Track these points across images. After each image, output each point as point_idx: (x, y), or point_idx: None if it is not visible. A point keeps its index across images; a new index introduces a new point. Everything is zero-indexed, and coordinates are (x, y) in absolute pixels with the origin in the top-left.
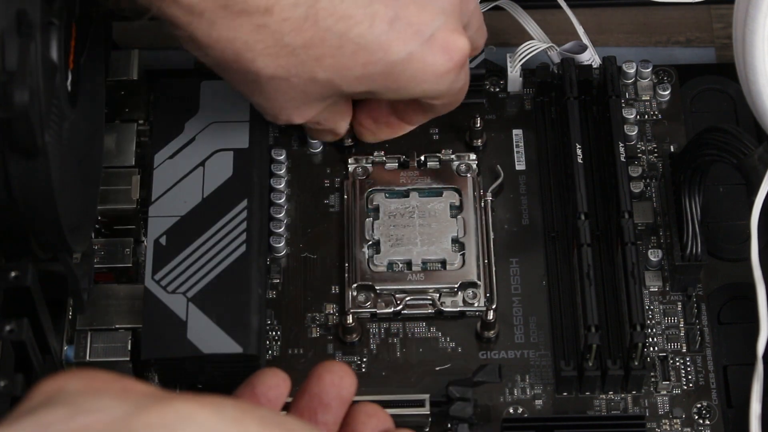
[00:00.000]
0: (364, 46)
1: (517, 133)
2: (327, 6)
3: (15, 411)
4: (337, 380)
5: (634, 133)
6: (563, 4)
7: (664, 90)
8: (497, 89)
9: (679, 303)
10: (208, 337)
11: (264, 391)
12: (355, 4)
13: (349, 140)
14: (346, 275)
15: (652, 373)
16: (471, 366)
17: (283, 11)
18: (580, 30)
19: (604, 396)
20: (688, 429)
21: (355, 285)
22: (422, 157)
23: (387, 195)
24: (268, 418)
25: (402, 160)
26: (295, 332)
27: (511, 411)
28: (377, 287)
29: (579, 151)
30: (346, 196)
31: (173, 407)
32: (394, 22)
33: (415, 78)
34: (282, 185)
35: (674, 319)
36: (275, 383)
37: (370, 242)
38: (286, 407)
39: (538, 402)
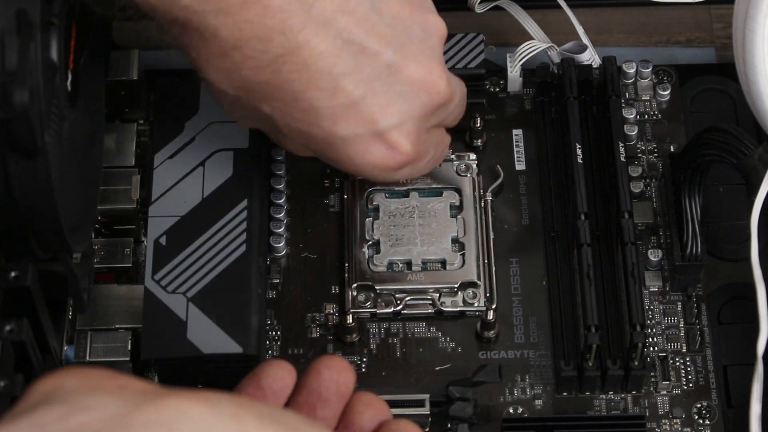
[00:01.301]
0: (317, 110)
1: (517, 133)
2: (296, 63)
3: (12, 410)
4: (336, 375)
5: (634, 133)
6: (563, 4)
7: (664, 90)
8: (497, 89)
9: (679, 303)
10: (208, 337)
11: (269, 383)
12: (324, 72)
13: None
14: (346, 275)
15: (652, 373)
16: (471, 366)
17: (251, 51)
18: (580, 30)
19: (604, 396)
20: (688, 429)
21: (355, 285)
22: None
23: (387, 195)
24: (266, 413)
25: None
26: (295, 332)
27: (511, 411)
28: (377, 287)
29: (579, 151)
30: (346, 196)
31: (170, 404)
32: (356, 104)
33: (351, 159)
34: (282, 185)
35: (674, 319)
36: (280, 375)
37: (370, 242)
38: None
39: (538, 402)
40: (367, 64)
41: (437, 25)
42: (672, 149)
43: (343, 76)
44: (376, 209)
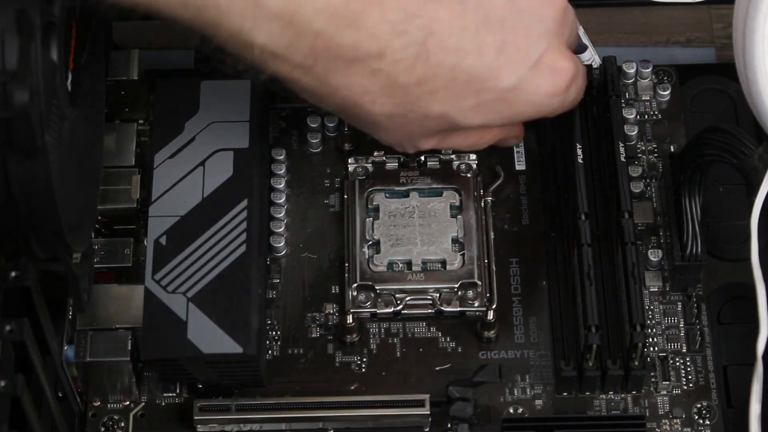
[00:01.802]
0: (476, 75)
1: None
2: (436, 42)
3: None
4: None
5: (634, 133)
6: None
7: (664, 90)
8: None
9: (679, 303)
10: (208, 337)
11: None
12: (463, 37)
13: (349, 145)
14: (346, 275)
15: (652, 373)
16: (471, 366)
17: (395, 53)
18: (580, 30)
19: (604, 396)
20: (688, 429)
21: (355, 285)
22: (422, 157)
23: (387, 195)
24: None
25: (402, 160)
26: (295, 332)
27: (511, 411)
28: (377, 287)
29: (579, 151)
30: (346, 196)
31: None
32: (502, 49)
33: (527, 102)
34: (282, 185)
35: (674, 319)
36: None
37: (370, 242)
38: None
39: (538, 402)
40: (490, 10)
41: None
42: (672, 149)
43: (479, 31)
44: (376, 209)
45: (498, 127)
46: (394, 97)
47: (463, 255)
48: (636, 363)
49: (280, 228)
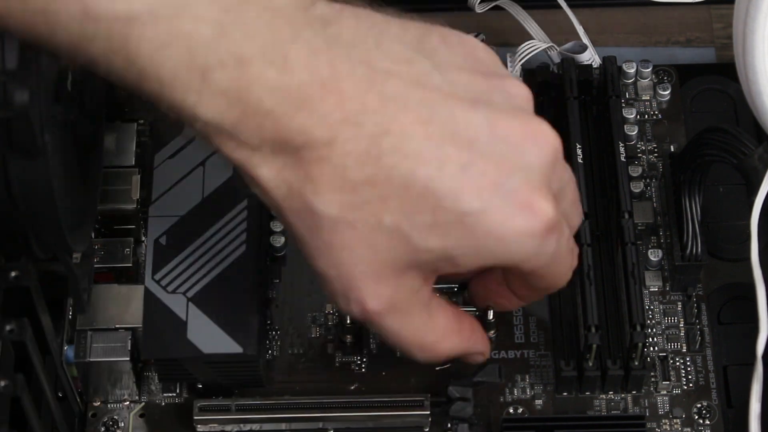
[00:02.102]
0: (433, 189)
1: None
2: (392, 142)
3: None
4: None
5: (634, 133)
6: (563, 4)
7: (664, 90)
8: None
9: (679, 303)
10: (208, 337)
11: None
12: (423, 144)
13: None
14: None
15: (652, 373)
16: (471, 366)
17: (345, 143)
18: (580, 30)
19: (604, 396)
20: (688, 429)
21: None
22: None
23: None
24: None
25: None
26: (295, 332)
27: (511, 411)
28: None
29: (579, 151)
30: None
31: None
32: (466, 168)
33: (491, 234)
34: None
35: (674, 319)
36: None
37: None
38: None
39: (538, 402)
40: (461, 127)
41: (518, 87)
42: (672, 149)
43: (443, 143)
44: None
45: (495, 292)
46: (341, 194)
47: None
48: (636, 363)
49: (280, 228)
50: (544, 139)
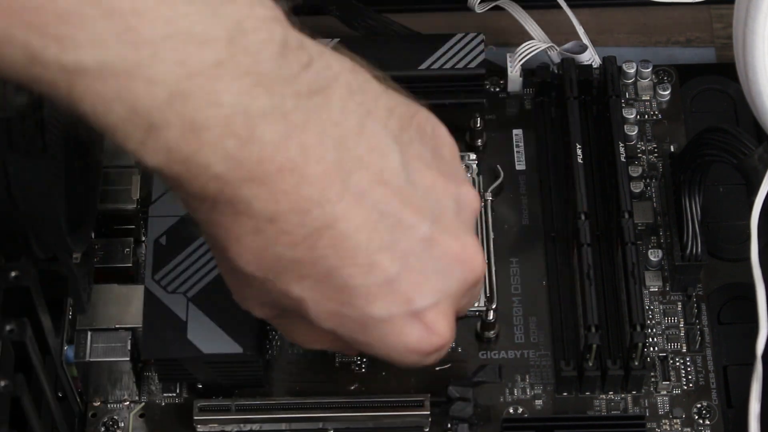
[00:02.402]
0: (352, 287)
1: (517, 133)
2: (332, 236)
3: None
4: None
5: (634, 133)
6: (563, 4)
7: (664, 90)
8: (497, 89)
9: (679, 303)
10: (208, 337)
11: None
12: (361, 248)
13: None
14: None
15: (652, 373)
16: (471, 366)
17: (286, 225)
18: (580, 30)
19: (604, 396)
20: (688, 429)
21: None
22: None
23: None
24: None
25: None
26: None
27: (511, 411)
28: None
29: (579, 151)
30: None
31: None
32: (391, 282)
33: (383, 341)
34: None
35: (674, 319)
36: None
37: None
38: None
39: (538, 402)
40: (403, 238)
41: (471, 197)
42: (672, 149)
43: (379, 251)
44: None
45: (337, 341)
46: (263, 261)
47: None
48: (636, 363)
49: None
50: (472, 265)
